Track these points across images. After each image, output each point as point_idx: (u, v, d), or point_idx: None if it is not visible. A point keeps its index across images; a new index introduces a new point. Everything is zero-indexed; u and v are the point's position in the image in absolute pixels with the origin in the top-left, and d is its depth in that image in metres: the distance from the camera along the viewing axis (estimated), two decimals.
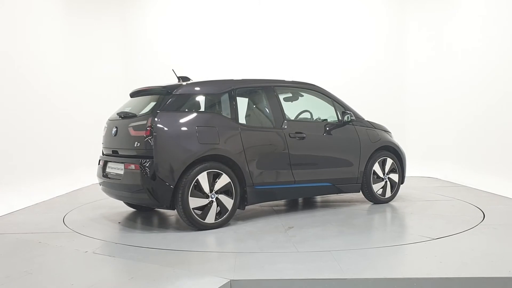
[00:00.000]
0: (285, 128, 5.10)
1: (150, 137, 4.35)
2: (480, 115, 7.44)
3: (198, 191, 4.44)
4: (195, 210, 4.43)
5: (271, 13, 9.04)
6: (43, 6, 7.51)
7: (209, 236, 4.33)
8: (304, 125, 5.41)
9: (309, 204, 6.00)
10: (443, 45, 8.71)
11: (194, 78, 5.34)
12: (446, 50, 8.63)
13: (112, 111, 5.31)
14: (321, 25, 9.06)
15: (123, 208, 5.67)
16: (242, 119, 5.02)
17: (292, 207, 5.81)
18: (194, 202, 4.41)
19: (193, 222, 4.44)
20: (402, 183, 6.03)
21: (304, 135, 5.19)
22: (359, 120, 5.74)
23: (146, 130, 4.39)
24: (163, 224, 4.90)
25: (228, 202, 4.62)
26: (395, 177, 5.90)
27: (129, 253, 3.77)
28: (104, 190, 5.06)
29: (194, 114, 4.66)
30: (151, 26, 9.14)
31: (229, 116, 4.82)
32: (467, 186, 7.23)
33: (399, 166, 5.94)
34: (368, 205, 5.75)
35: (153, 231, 4.58)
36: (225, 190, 4.60)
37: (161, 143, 4.35)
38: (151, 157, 4.34)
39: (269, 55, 8.96)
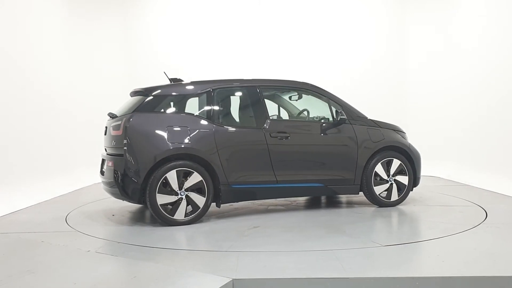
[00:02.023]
0: (266, 128, 5.07)
1: (123, 136, 4.61)
2: (481, 114, 7.44)
3: (167, 188, 4.58)
4: (167, 206, 4.59)
5: (271, 13, 9.04)
6: (44, 6, 7.51)
7: (211, 235, 4.33)
8: (289, 124, 5.36)
9: (323, 204, 5.93)
10: (443, 45, 8.71)
11: (194, 79, 5.35)
12: (446, 50, 8.63)
13: (112, 111, 5.35)
14: (321, 25, 9.05)
15: (123, 206, 5.67)
16: (220, 119, 5.01)
17: (292, 207, 5.79)
18: (162, 199, 4.56)
19: (162, 218, 4.62)
20: (415, 185, 5.66)
21: (288, 135, 5.12)
22: (359, 118, 5.52)
23: (120, 129, 4.69)
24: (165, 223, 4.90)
25: (200, 200, 4.71)
26: (403, 179, 5.53)
27: (131, 252, 3.78)
28: (102, 187, 5.20)
29: (167, 115, 4.86)
30: (151, 26, 9.14)
31: (205, 116, 4.91)
32: (469, 185, 7.22)
33: (410, 168, 5.56)
34: (372, 208, 5.51)
35: (155, 230, 4.57)
36: (197, 188, 4.69)
37: (132, 142, 4.60)
38: (122, 155, 4.61)
39: (270, 55, 8.95)
